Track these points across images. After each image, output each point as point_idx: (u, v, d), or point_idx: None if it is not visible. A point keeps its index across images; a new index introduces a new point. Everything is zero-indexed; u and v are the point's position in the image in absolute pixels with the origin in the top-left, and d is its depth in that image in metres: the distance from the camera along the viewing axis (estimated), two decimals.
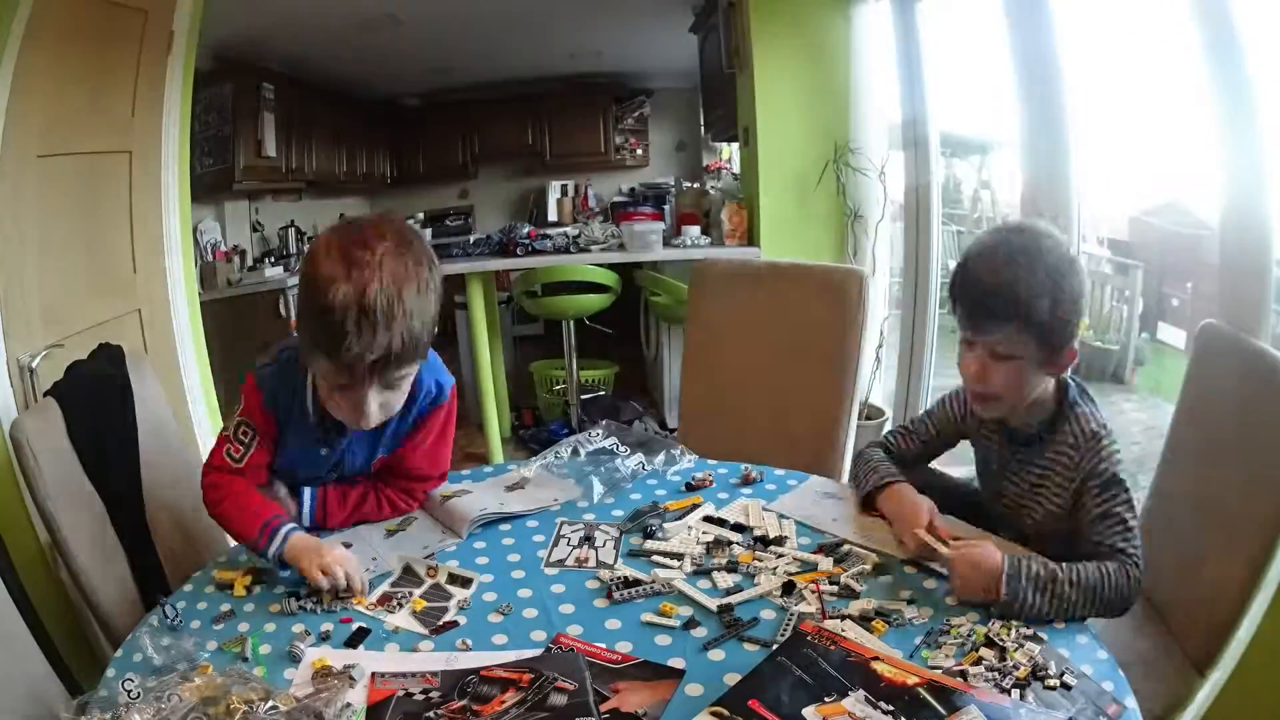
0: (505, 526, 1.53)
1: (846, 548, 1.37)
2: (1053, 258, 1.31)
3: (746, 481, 1.65)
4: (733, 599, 1.24)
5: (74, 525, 1.46)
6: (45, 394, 1.66)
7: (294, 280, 4.83)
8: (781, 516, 1.51)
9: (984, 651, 1.07)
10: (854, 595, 1.23)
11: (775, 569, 1.32)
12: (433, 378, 1.52)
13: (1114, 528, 1.28)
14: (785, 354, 2.18)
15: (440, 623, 1.23)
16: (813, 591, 1.24)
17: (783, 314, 2.20)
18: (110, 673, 1.13)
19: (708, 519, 1.50)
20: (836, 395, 2.09)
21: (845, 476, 2.05)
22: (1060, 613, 1.17)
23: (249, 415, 1.46)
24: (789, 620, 1.17)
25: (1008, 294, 1.30)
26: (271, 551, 1.35)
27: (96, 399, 1.67)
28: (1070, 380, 1.42)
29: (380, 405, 1.33)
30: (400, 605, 1.28)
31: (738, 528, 1.46)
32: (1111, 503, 1.30)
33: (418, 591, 1.32)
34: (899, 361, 3.78)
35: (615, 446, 1.74)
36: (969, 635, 1.11)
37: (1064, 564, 1.20)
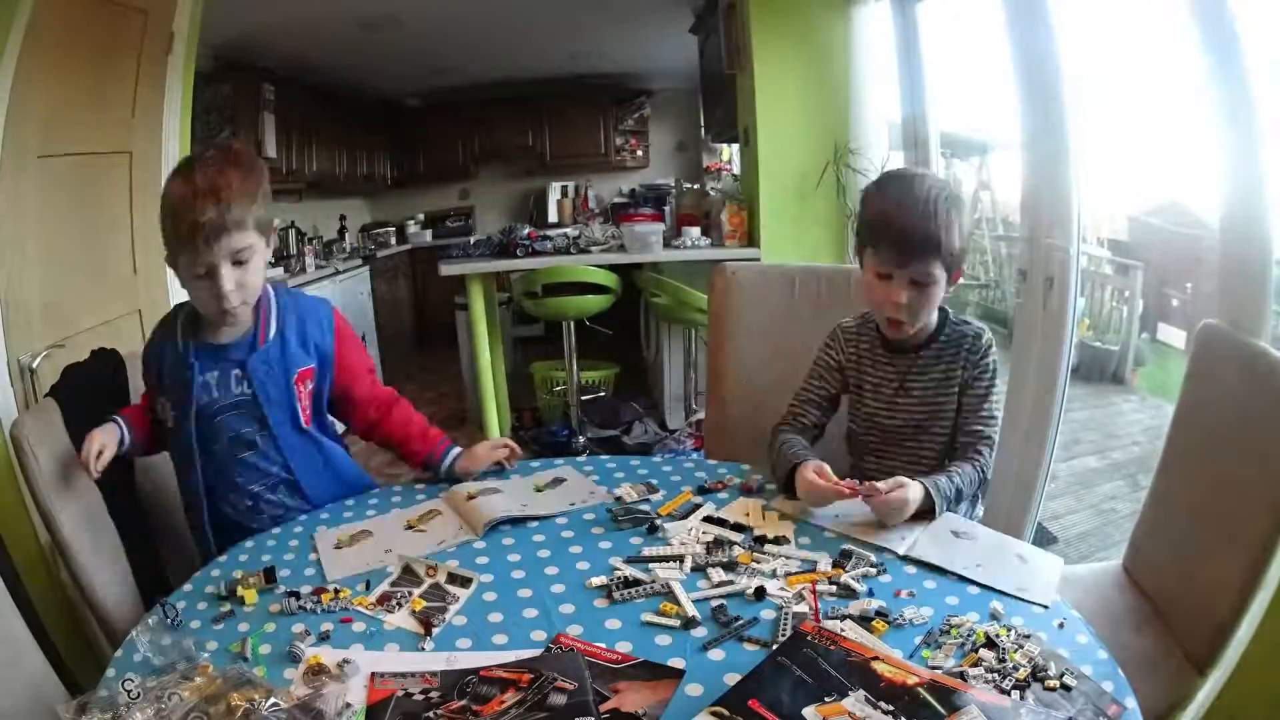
0: (505, 526, 1.53)
1: (848, 546, 1.37)
2: (953, 197, 1.55)
3: (746, 490, 1.64)
4: (708, 592, 1.24)
5: (74, 525, 1.47)
6: (45, 395, 1.66)
7: (294, 281, 4.88)
8: (781, 517, 1.51)
9: (984, 652, 1.07)
10: (853, 595, 1.23)
11: (774, 570, 1.32)
12: (311, 301, 1.75)
13: (986, 417, 1.63)
14: None
15: (433, 623, 1.23)
16: (810, 592, 1.24)
17: (825, 321, 2.10)
18: (110, 672, 1.12)
19: (708, 519, 1.50)
20: None
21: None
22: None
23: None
24: (787, 620, 1.17)
25: (934, 231, 1.52)
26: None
27: (94, 400, 1.67)
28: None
29: (237, 283, 1.51)
30: (399, 605, 1.28)
31: (738, 527, 1.47)
32: (990, 394, 1.64)
33: (417, 591, 1.32)
34: None
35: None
36: (969, 635, 1.11)
37: (953, 472, 1.51)
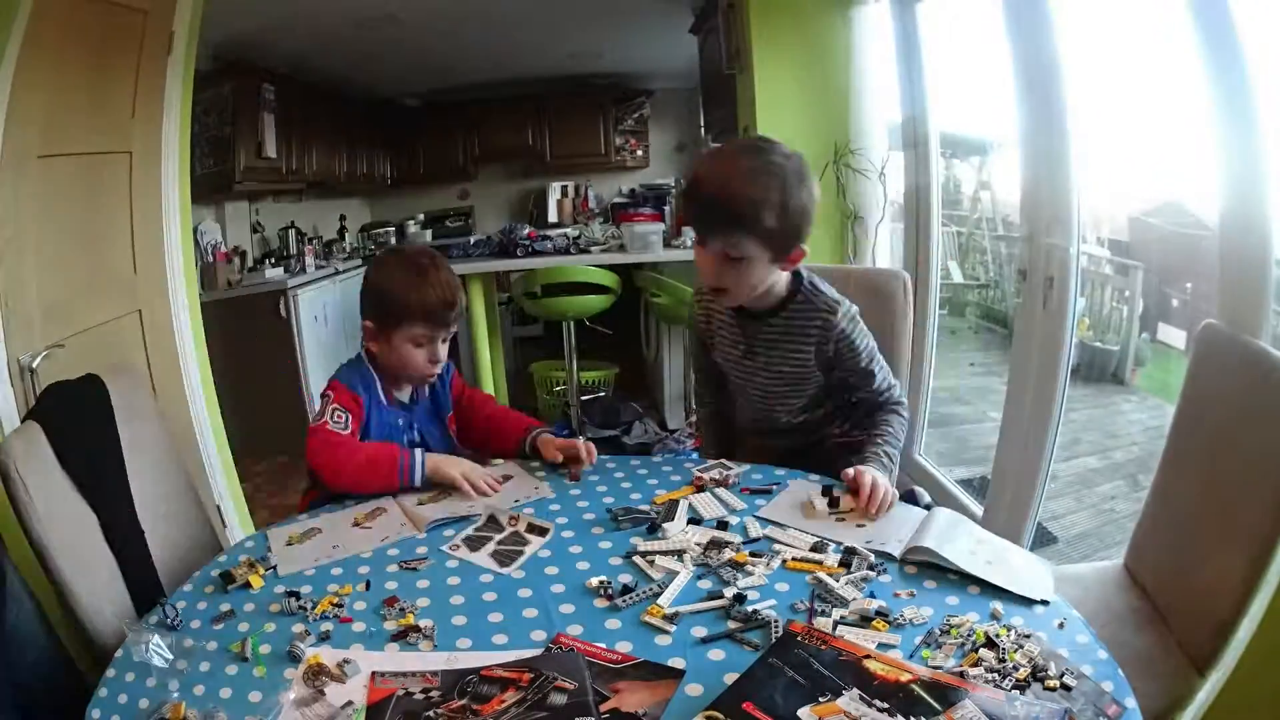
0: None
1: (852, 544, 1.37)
2: (780, 173, 1.50)
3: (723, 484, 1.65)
4: (681, 608, 1.23)
5: (63, 549, 1.41)
6: (26, 417, 1.60)
7: (294, 280, 4.87)
8: (768, 523, 1.50)
9: (984, 652, 1.07)
10: (844, 604, 1.22)
11: (770, 564, 1.33)
12: None
13: (879, 380, 1.69)
14: None
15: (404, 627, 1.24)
16: (810, 601, 1.24)
17: None
18: (103, 692, 1.12)
19: (694, 520, 1.51)
20: None
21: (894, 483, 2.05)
22: None
23: (342, 403, 1.78)
24: (778, 624, 1.17)
25: (735, 206, 1.47)
26: (417, 479, 1.70)
27: (78, 420, 1.63)
28: (803, 271, 1.68)
29: (443, 354, 1.84)
30: (482, 545, 1.47)
31: (723, 525, 1.48)
32: (867, 360, 1.68)
33: (498, 537, 1.50)
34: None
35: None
36: (969, 635, 1.11)
37: (885, 435, 1.63)
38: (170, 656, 1.17)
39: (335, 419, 1.76)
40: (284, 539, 1.54)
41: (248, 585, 1.37)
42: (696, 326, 1.86)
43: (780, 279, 1.65)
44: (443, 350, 1.85)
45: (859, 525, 1.45)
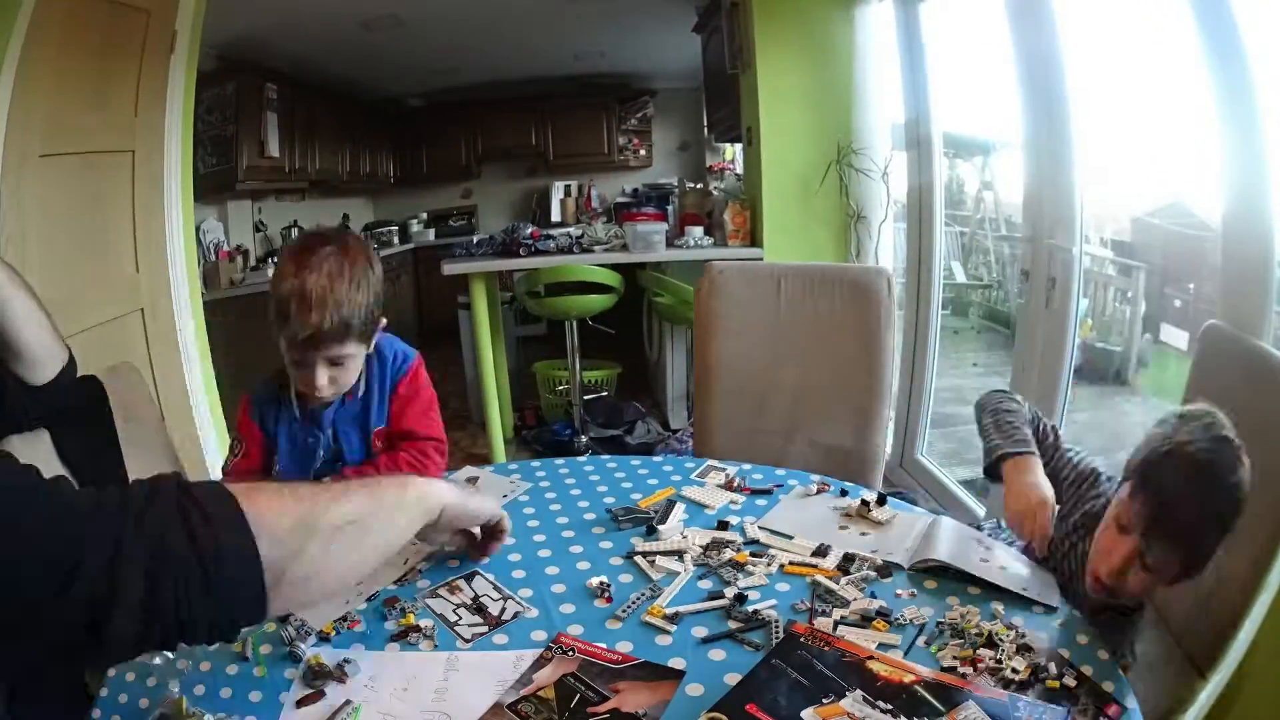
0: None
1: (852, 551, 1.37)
2: (1238, 501, 1.20)
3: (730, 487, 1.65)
4: (681, 608, 1.23)
5: None
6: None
7: None
8: (772, 533, 1.48)
9: (984, 651, 1.07)
10: (844, 604, 1.22)
11: (770, 565, 1.33)
12: (396, 349, 1.72)
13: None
14: (816, 362, 2.16)
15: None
16: (810, 600, 1.24)
17: (811, 320, 2.16)
18: (103, 692, 1.12)
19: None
20: (872, 399, 2.10)
21: (879, 482, 2.05)
22: None
23: (238, 429, 1.66)
24: (778, 625, 1.17)
25: (1190, 523, 1.18)
26: None
27: (80, 423, 1.63)
28: None
29: (330, 379, 1.54)
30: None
31: (723, 525, 1.48)
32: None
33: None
34: (901, 362, 3.78)
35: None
36: (969, 635, 1.11)
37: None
38: (171, 654, 1.17)
39: (232, 451, 1.66)
40: None
41: None
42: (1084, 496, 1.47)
43: None
44: (326, 376, 1.53)
45: (862, 534, 1.45)
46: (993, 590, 1.24)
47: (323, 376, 1.52)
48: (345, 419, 1.66)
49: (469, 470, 1.79)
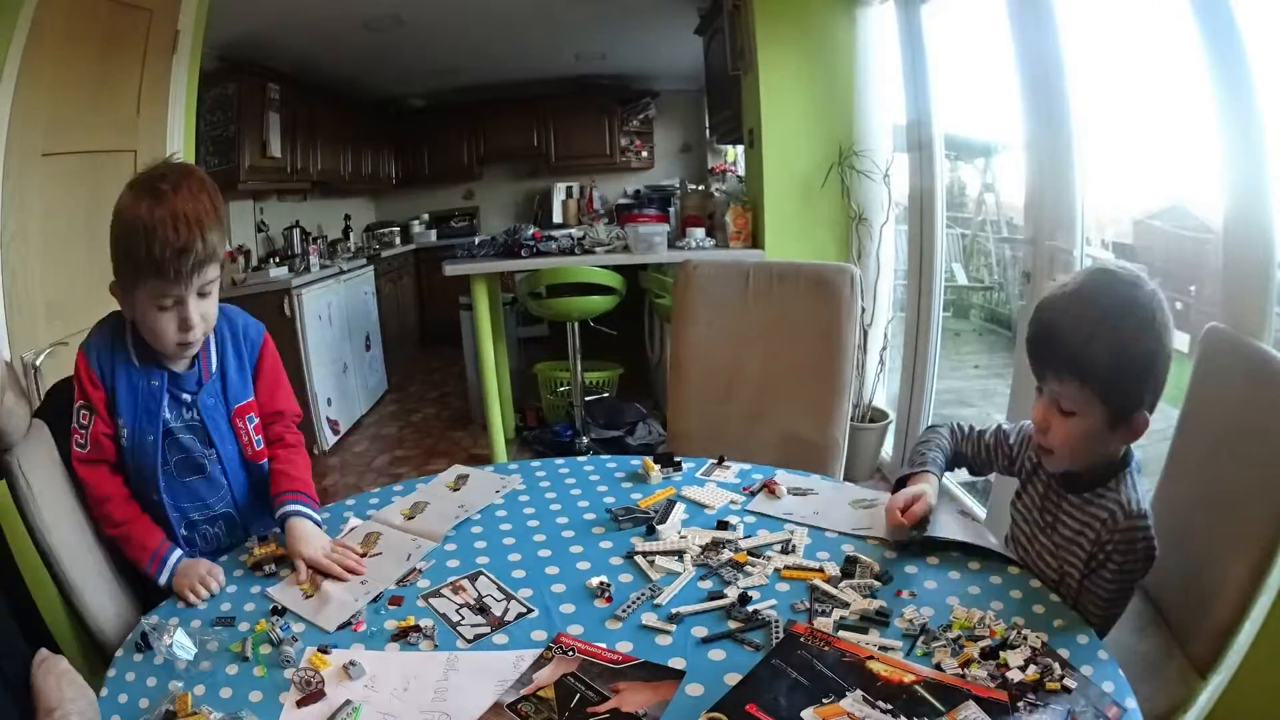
0: (505, 526, 1.54)
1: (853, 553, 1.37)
2: (1132, 310, 1.20)
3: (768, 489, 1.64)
4: (681, 608, 1.23)
5: (68, 551, 1.40)
6: (33, 416, 1.57)
7: (298, 280, 4.84)
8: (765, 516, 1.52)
9: (984, 651, 1.07)
10: (844, 604, 1.22)
11: (768, 568, 1.33)
12: (246, 320, 1.65)
13: (1094, 609, 1.30)
14: (779, 354, 2.21)
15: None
16: (804, 606, 1.24)
17: (775, 313, 2.23)
18: (104, 691, 1.12)
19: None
20: (831, 393, 2.14)
21: (841, 473, 2.08)
22: None
23: (80, 393, 1.50)
24: (779, 625, 1.17)
25: (1065, 340, 1.23)
26: (162, 581, 1.42)
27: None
28: (1132, 450, 1.34)
29: (201, 315, 1.45)
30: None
31: (723, 525, 1.48)
32: (1111, 591, 1.30)
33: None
34: (902, 364, 3.78)
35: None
36: (969, 635, 1.11)
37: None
38: (195, 649, 1.18)
39: (80, 422, 1.49)
40: (296, 596, 1.34)
41: (280, 560, 1.41)
42: (1019, 457, 1.52)
43: (1112, 456, 1.34)
44: (198, 312, 1.44)
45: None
46: (991, 589, 1.24)
47: (194, 312, 1.43)
48: (210, 397, 1.56)
49: (458, 469, 1.79)
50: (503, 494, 1.66)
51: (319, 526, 1.51)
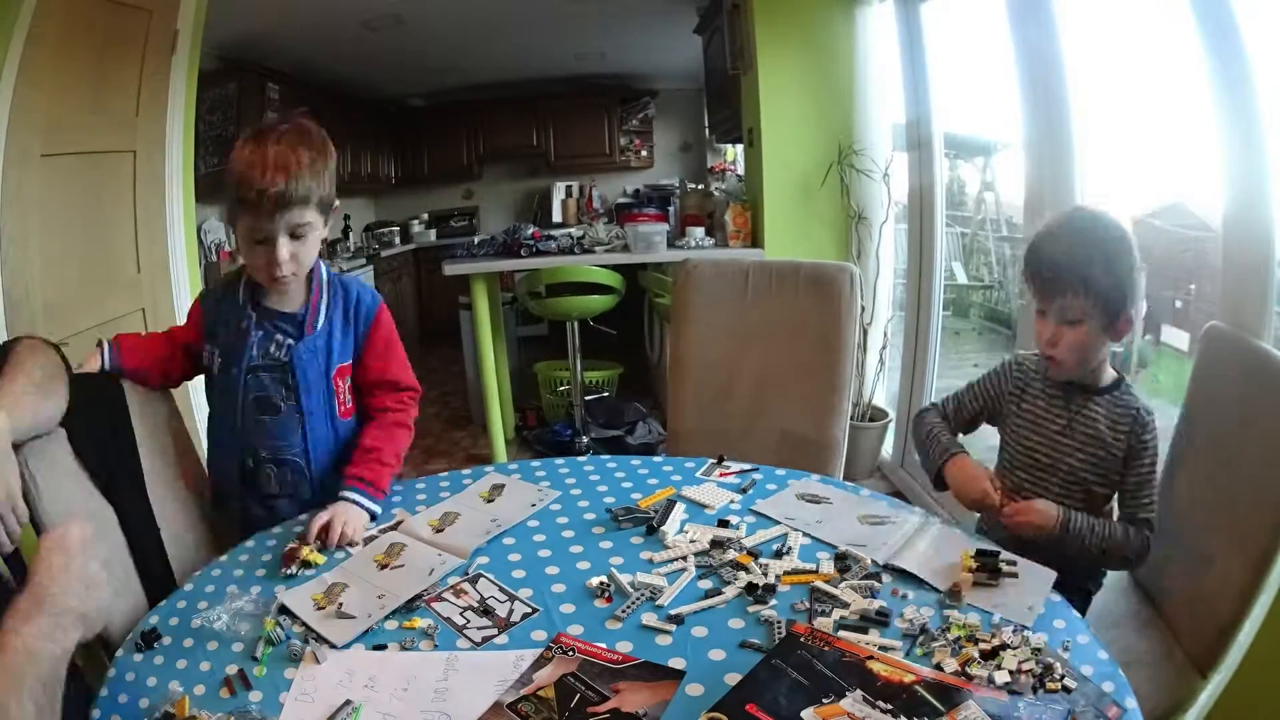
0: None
1: (846, 549, 1.37)
2: (1112, 233, 1.52)
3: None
4: (681, 608, 1.23)
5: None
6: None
7: None
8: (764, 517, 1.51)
9: (984, 652, 1.07)
10: (844, 605, 1.22)
11: (767, 570, 1.33)
12: (361, 290, 1.77)
13: (1145, 499, 1.55)
14: (778, 353, 2.21)
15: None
16: (803, 606, 1.24)
17: (774, 312, 2.23)
18: (104, 691, 1.12)
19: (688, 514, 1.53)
20: (831, 391, 2.14)
21: (840, 472, 2.07)
22: (1088, 554, 1.52)
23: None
24: (780, 624, 1.17)
25: (1072, 262, 1.51)
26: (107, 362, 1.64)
27: (95, 414, 1.62)
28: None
29: (291, 255, 1.56)
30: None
31: (724, 524, 1.48)
32: (1150, 474, 1.56)
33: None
34: (902, 363, 3.79)
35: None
36: (969, 635, 1.11)
37: (1102, 523, 1.53)
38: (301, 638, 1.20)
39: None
40: (308, 605, 1.29)
41: (307, 564, 1.41)
42: (1014, 387, 1.72)
43: (1107, 361, 1.62)
44: (288, 249, 1.55)
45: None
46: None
47: (285, 249, 1.54)
48: (307, 351, 1.67)
49: (494, 478, 1.74)
50: (537, 508, 1.59)
51: (369, 517, 1.58)
